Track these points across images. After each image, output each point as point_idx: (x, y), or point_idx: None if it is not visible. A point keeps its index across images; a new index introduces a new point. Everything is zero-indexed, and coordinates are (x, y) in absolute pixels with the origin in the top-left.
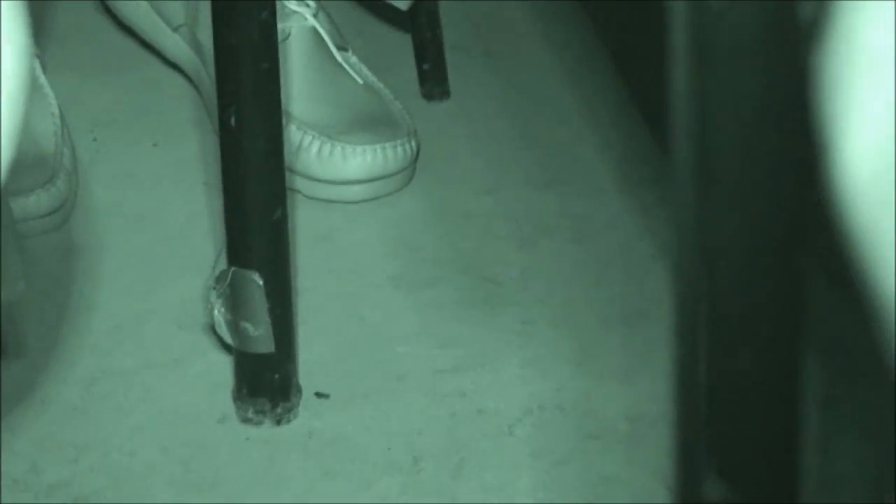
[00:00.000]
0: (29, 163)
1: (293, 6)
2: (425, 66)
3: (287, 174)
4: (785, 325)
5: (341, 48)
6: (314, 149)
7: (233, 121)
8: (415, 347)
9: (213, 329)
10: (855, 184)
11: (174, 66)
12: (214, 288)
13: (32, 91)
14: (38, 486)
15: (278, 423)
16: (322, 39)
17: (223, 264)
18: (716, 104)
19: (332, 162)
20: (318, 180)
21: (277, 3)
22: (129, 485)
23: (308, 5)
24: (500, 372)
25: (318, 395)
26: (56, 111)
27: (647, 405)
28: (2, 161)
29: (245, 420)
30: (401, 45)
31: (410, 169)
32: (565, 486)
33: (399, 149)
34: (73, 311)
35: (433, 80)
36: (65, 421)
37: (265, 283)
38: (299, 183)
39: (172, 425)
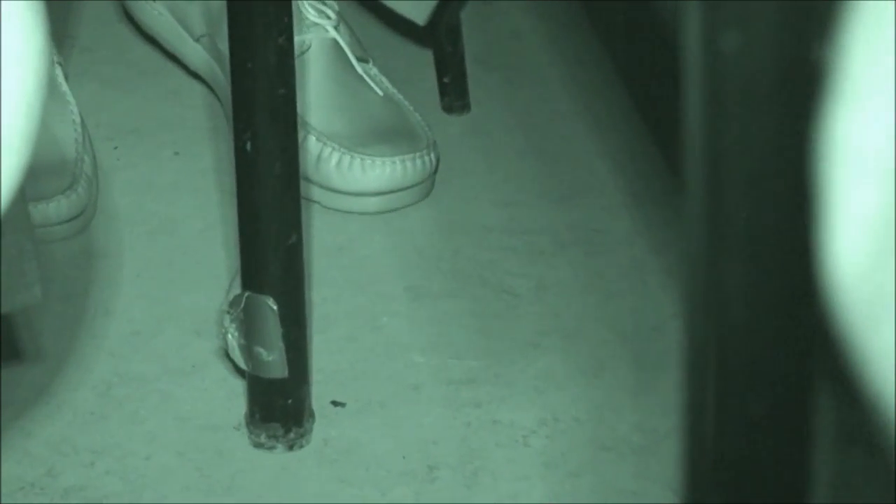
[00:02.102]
0: (50, 169)
1: (314, 18)
2: (446, 80)
3: (305, 185)
4: (796, 361)
5: (362, 60)
6: (333, 160)
7: (248, 146)
8: (431, 358)
9: (226, 353)
10: (844, 282)
11: (196, 76)
12: (228, 312)
13: (52, 97)
14: (53, 489)
15: (290, 448)
16: (342, 51)
17: (237, 288)
18: (728, 147)
19: (352, 173)
20: (337, 191)
21: (297, 15)
22: (145, 490)
23: (329, 17)
24: (515, 383)
25: (335, 403)
26: (77, 118)
27: (659, 418)
28: (19, 164)
29: (257, 445)
30: (422, 57)
31: (429, 181)
32: (578, 497)
33: (418, 161)
34: (91, 317)
35: (453, 94)
36: (81, 425)
37: (279, 307)
38: (318, 194)
39: (188, 431)
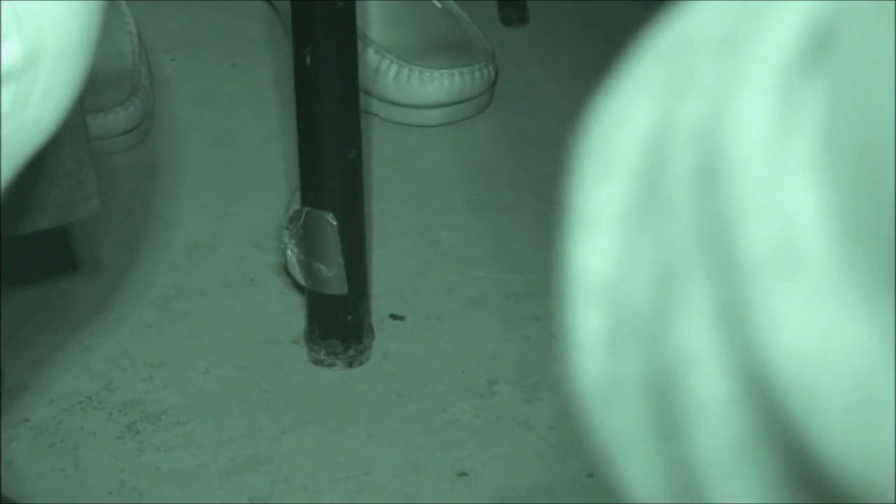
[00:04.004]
0: (107, 81)
1: None
2: None
3: (364, 97)
4: None
5: None
6: (391, 73)
7: (308, 60)
8: (490, 271)
9: (284, 268)
10: (586, 403)
11: None
12: (288, 228)
13: (110, 9)
14: (111, 403)
15: (350, 365)
16: None
17: (297, 204)
18: None
19: (410, 86)
20: (395, 104)
21: None
22: (203, 403)
23: None
24: None
25: (394, 317)
26: (133, 30)
27: None
28: (80, 73)
29: (317, 362)
30: None
31: (488, 94)
32: None
33: (476, 73)
34: (149, 230)
35: (512, 6)
36: (140, 339)
37: (339, 223)
38: (376, 106)
39: (247, 345)
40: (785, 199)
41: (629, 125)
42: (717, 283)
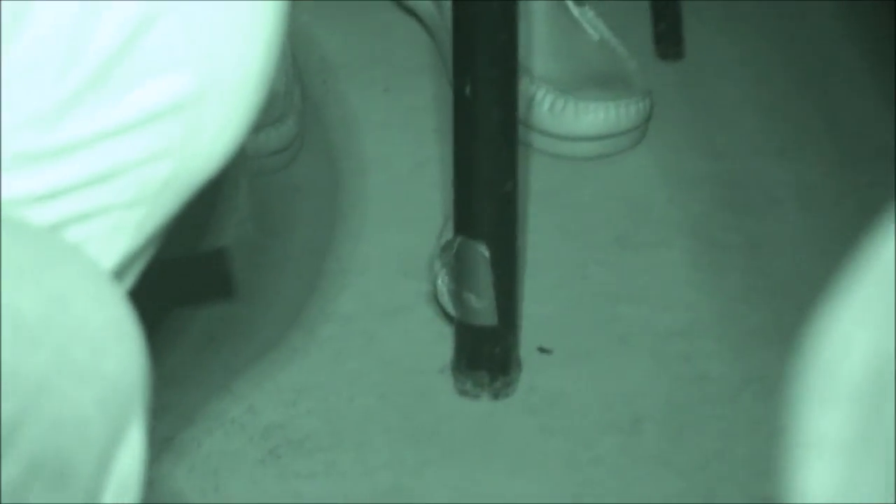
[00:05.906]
0: None
1: None
2: (661, 26)
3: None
4: None
5: (578, 2)
6: (547, 103)
7: (468, 90)
8: (639, 308)
9: (433, 297)
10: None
11: (409, 12)
12: (439, 257)
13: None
14: (254, 426)
15: (496, 397)
16: None
17: (449, 233)
18: None
19: (565, 117)
20: (549, 135)
21: None
22: (345, 430)
23: None
24: (724, 338)
25: (541, 350)
26: (287, 51)
27: None
28: (257, 101)
29: (462, 392)
30: (637, 3)
31: (642, 128)
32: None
33: (632, 107)
34: (297, 253)
35: (668, 40)
36: (285, 363)
37: (491, 254)
38: (530, 137)
39: (392, 373)
40: None
41: (852, 351)
42: None
